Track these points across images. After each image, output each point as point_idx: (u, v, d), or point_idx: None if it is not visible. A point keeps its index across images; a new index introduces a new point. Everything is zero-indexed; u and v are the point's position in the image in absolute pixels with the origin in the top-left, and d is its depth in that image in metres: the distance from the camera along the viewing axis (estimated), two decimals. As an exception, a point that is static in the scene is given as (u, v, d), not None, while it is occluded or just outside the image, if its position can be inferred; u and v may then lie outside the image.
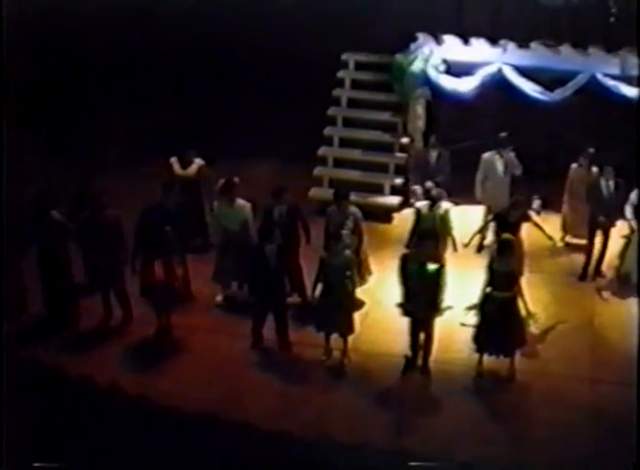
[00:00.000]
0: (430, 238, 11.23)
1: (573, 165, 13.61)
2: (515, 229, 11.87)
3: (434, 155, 13.98)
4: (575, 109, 14.29)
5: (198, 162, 13.63)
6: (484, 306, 10.86)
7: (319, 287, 11.17)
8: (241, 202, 12.35)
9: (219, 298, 12.74)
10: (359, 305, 11.41)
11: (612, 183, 12.88)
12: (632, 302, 12.37)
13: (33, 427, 10.30)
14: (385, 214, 14.75)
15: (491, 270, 10.80)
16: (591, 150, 13.41)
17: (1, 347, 10.64)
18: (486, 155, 13.66)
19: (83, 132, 16.11)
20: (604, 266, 13.20)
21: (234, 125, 16.05)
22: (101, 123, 16.34)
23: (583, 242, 13.41)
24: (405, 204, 14.95)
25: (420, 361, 11.15)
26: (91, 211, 11.92)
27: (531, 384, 10.98)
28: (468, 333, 11.18)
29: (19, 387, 10.04)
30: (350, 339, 11.39)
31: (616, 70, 14.07)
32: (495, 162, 13.60)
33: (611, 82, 14.03)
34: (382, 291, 12.37)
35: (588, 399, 10.79)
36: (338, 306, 11.09)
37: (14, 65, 13.59)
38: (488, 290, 10.83)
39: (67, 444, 10.32)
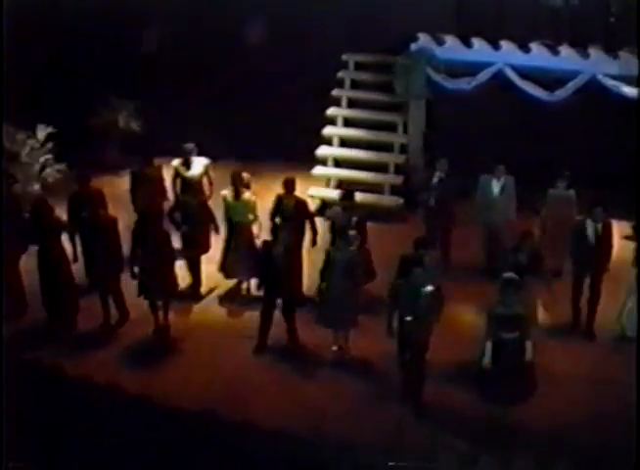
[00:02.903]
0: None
1: (551, 190, 12.80)
2: (525, 271, 10.83)
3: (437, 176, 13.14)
4: (575, 109, 14.30)
5: (202, 161, 13.45)
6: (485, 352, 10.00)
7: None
8: (247, 195, 12.50)
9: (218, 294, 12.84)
10: (361, 300, 11.45)
11: (600, 226, 11.65)
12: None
13: (33, 428, 10.28)
14: (384, 214, 14.74)
15: (492, 313, 9.93)
16: (567, 173, 12.71)
17: (1, 348, 10.63)
18: (483, 177, 13.06)
19: (83, 132, 16.11)
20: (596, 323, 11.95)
21: (234, 125, 16.04)
22: (101, 122, 16.35)
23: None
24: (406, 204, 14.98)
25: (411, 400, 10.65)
26: (89, 212, 11.95)
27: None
28: (467, 334, 11.19)
29: (18, 388, 10.03)
30: (352, 335, 11.43)
31: (616, 70, 14.09)
32: (492, 183, 12.96)
33: (611, 82, 14.05)
34: (382, 290, 12.35)
35: (588, 398, 10.79)
36: (340, 302, 11.12)
37: (13, 63, 13.61)
38: (488, 335, 9.96)
39: (66, 444, 10.31)
